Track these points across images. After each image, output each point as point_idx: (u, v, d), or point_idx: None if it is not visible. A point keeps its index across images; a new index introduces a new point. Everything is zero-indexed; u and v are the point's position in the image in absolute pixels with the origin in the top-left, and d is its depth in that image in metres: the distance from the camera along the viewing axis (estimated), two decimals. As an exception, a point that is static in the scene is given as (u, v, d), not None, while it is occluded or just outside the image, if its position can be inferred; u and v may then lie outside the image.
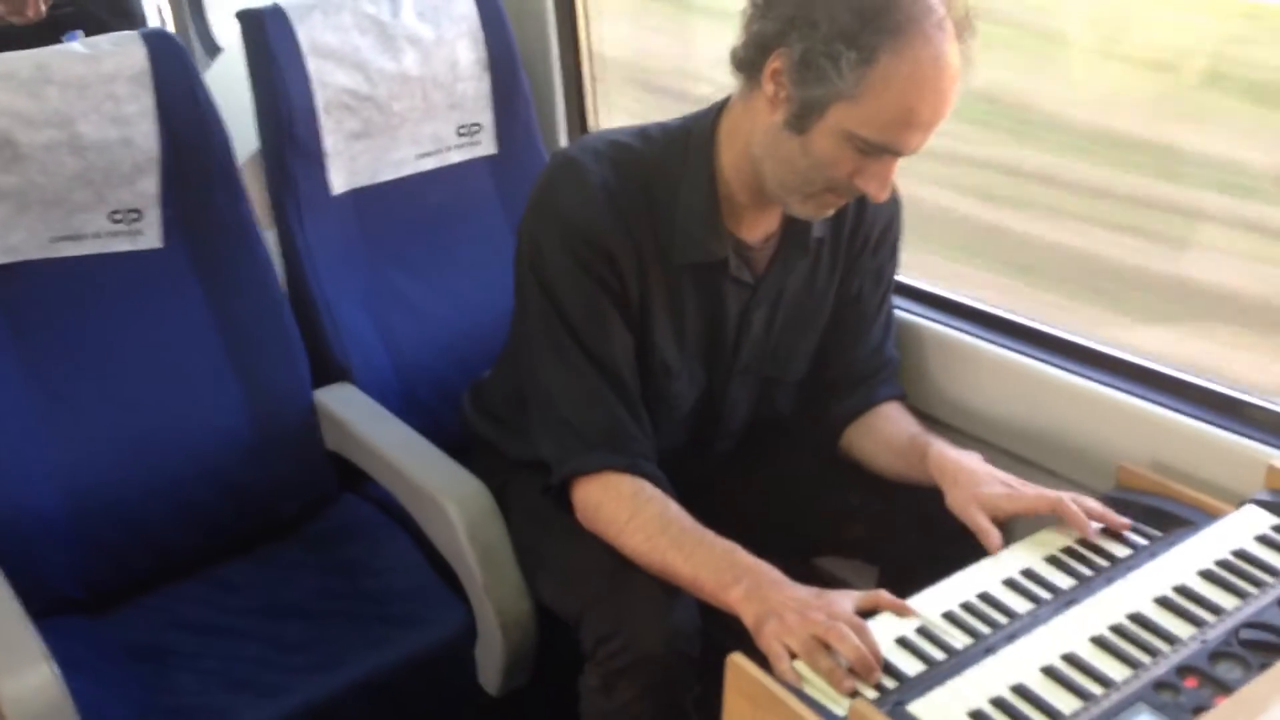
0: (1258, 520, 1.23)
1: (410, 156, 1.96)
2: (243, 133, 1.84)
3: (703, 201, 1.40)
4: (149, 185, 1.69)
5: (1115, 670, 1.03)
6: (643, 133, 1.45)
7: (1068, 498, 1.28)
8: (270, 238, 1.85)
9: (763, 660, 1.12)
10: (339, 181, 1.90)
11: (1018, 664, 1.05)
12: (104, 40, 1.68)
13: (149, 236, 1.71)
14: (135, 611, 1.67)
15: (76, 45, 1.66)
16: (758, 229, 1.46)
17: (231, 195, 1.76)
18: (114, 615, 1.66)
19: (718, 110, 1.42)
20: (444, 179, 2.00)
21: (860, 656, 1.08)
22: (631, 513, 1.35)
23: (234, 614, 1.66)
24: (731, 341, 1.50)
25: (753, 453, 1.65)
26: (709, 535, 1.31)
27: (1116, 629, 1.08)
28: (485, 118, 2.01)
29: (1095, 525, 1.26)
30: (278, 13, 1.82)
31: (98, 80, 1.64)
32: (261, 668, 1.54)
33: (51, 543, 1.62)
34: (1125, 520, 1.26)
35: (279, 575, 1.73)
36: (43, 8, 2.40)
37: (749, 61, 1.33)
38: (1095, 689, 1.01)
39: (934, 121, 1.26)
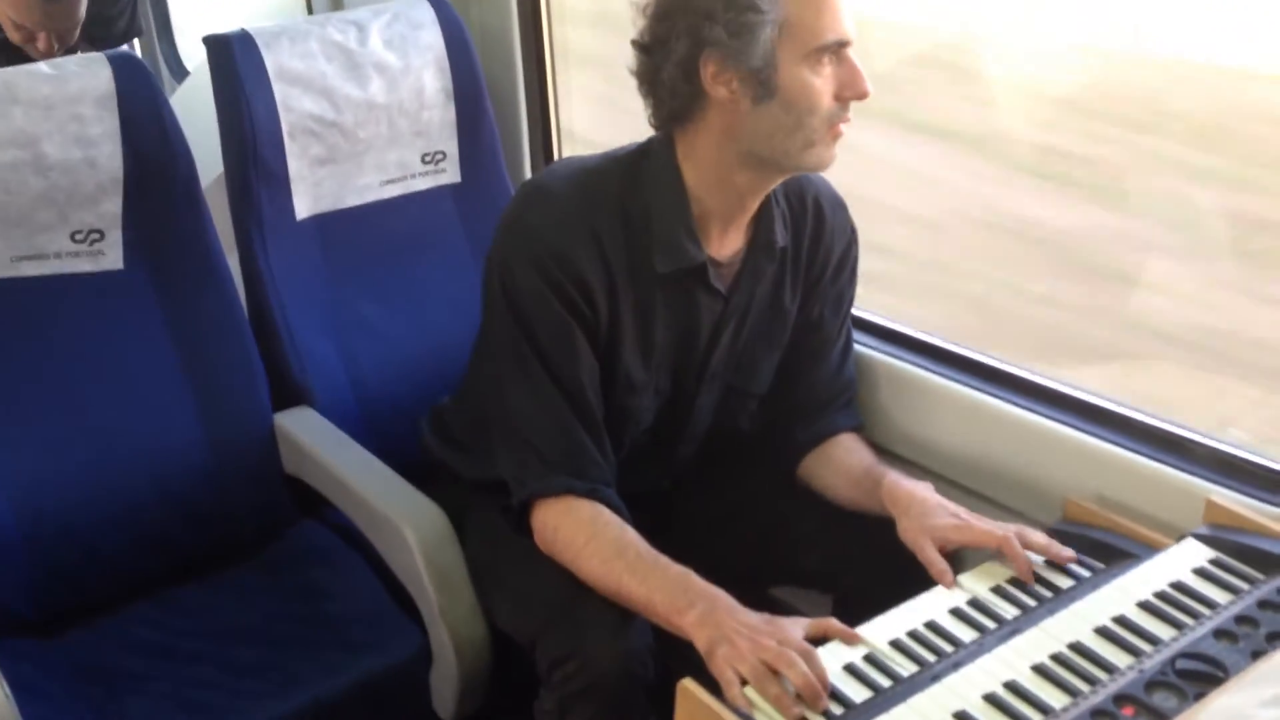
0: (1196, 554, 1.26)
1: (375, 183, 1.97)
2: (207, 157, 1.85)
3: (678, 210, 1.43)
4: (112, 206, 1.70)
5: (1055, 698, 1.05)
6: (609, 155, 1.49)
7: (1013, 534, 1.31)
8: (233, 261, 1.85)
9: (715, 686, 1.13)
10: (303, 206, 1.91)
11: (962, 691, 1.07)
12: (70, 61, 1.69)
13: (111, 257, 1.72)
14: (88, 634, 1.66)
15: (42, 66, 1.67)
16: (726, 245, 1.49)
17: (195, 218, 1.76)
18: (66, 637, 1.65)
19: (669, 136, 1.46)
20: (408, 206, 2.01)
21: (807, 684, 1.10)
22: (589, 536, 1.37)
23: (188, 637, 1.65)
24: (702, 351, 1.53)
25: (710, 475, 1.67)
26: (664, 560, 1.33)
27: (1057, 658, 1.11)
28: (450, 146, 2.03)
29: (1038, 559, 1.29)
30: (245, 38, 1.83)
31: (63, 101, 1.64)
32: (214, 691, 1.54)
33: (4, 564, 1.61)
34: (1069, 554, 1.29)
35: (234, 599, 1.73)
36: (55, 46, 2.39)
37: (684, 100, 1.38)
38: (1035, 716, 1.03)
39: None
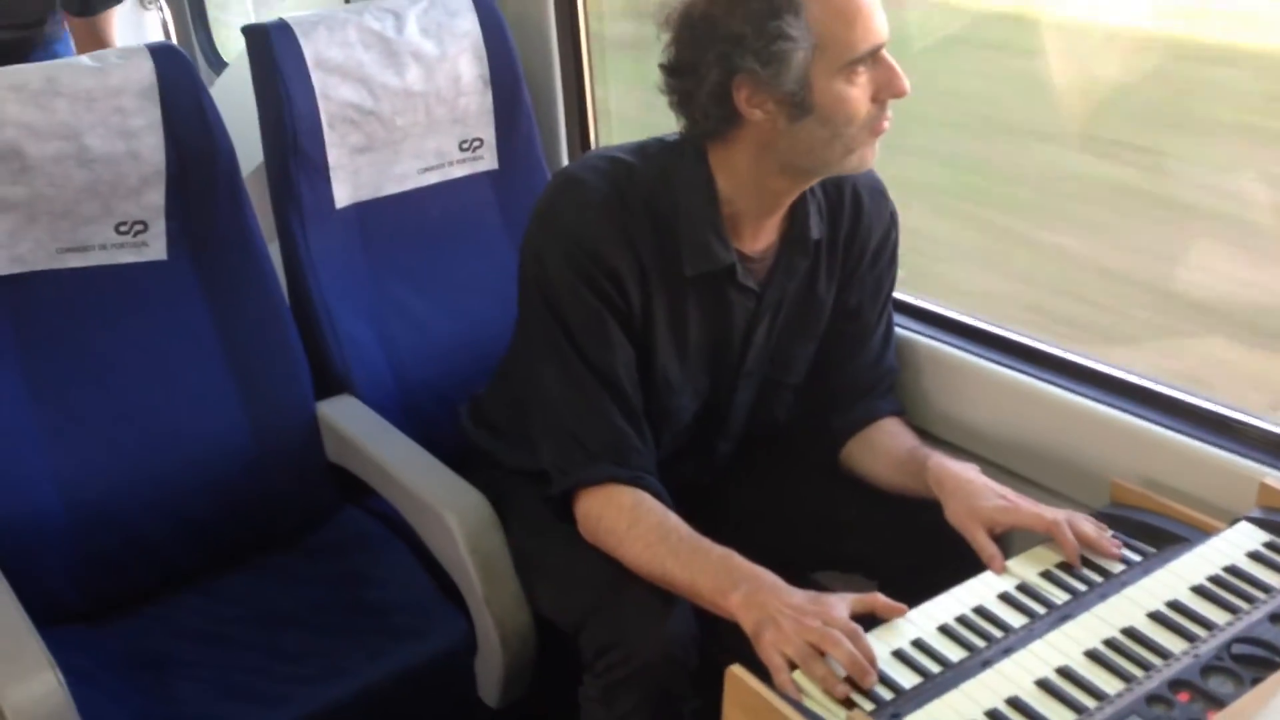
0: (1250, 537, 1.24)
1: (413, 171, 1.98)
2: (247, 146, 1.86)
3: (707, 212, 1.42)
4: (155, 198, 1.71)
5: (1109, 684, 1.05)
6: (641, 149, 1.47)
7: (1064, 520, 1.30)
8: (274, 250, 1.86)
9: (760, 671, 1.13)
10: (342, 195, 1.91)
11: (1012, 677, 1.06)
12: (111, 54, 1.70)
13: (154, 248, 1.73)
14: (135, 621, 1.67)
15: (85, 59, 1.68)
16: (759, 241, 1.48)
17: (236, 208, 1.77)
18: (114, 624, 1.66)
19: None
20: (446, 193, 2.01)
21: (854, 661, 1.09)
22: (631, 522, 1.37)
23: (233, 624, 1.67)
24: (738, 349, 1.52)
25: (751, 465, 1.67)
26: (706, 543, 1.33)
27: (1110, 643, 1.10)
28: (487, 133, 2.03)
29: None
30: (283, 28, 1.84)
31: (105, 93, 1.65)
32: (260, 677, 1.55)
33: (53, 552, 1.63)
34: (1116, 551, 1.27)
35: (279, 586, 1.74)
36: None
37: (718, 120, 1.37)
38: (1089, 702, 1.02)
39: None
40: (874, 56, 1.33)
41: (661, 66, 1.40)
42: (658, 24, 1.39)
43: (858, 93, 1.32)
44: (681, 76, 1.38)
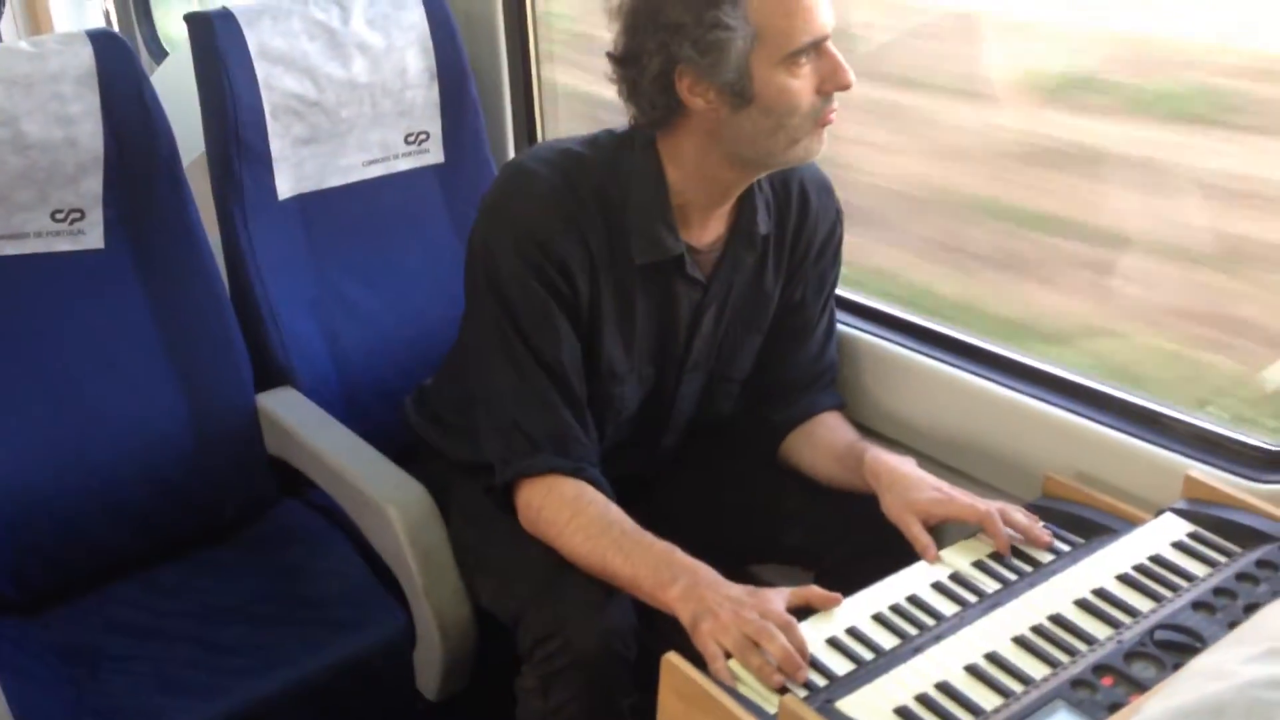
0: (1175, 528, 1.27)
1: (357, 163, 1.97)
2: (189, 136, 1.84)
3: (656, 202, 1.43)
4: (93, 185, 1.69)
5: (1035, 669, 1.07)
6: (592, 140, 1.48)
7: (995, 511, 1.32)
8: (215, 241, 1.84)
9: (698, 662, 1.14)
10: (285, 186, 1.90)
11: (943, 663, 1.08)
12: (50, 39, 1.68)
13: (91, 237, 1.71)
14: (69, 612, 1.65)
15: (23, 44, 1.66)
16: (707, 233, 1.49)
17: (176, 197, 1.76)
18: (47, 616, 1.64)
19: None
20: (391, 186, 2.01)
21: (787, 656, 1.11)
22: (573, 514, 1.37)
23: (169, 616, 1.65)
24: (683, 340, 1.53)
25: (694, 458, 1.68)
26: (648, 537, 1.34)
27: (1037, 630, 1.12)
28: (433, 126, 2.02)
29: (1019, 536, 1.31)
30: (226, 16, 1.82)
31: (43, 79, 1.63)
32: (196, 670, 1.54)
33: (-14, 543, 1.61)
34: (1047, 539, 1.30)
35: (216, 578, 1.73)
36: None
37: (663, 109, 1.38)
38: (1016, 686, 1.04)
39: None
40: (818, 48, 1.33)
41: (609, 55, 1.40)
42: (607, 12, 1.40)
43: (800, 84, 1.33)
44: (626, 65, 1.38)
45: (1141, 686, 1.03)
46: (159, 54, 3.15)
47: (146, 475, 1.73)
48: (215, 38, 1.80)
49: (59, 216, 1.68)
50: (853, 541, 1.50)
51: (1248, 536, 1.24)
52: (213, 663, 1.55)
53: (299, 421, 1.77)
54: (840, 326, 1.69)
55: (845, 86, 1.35)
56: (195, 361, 1.77)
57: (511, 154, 2.21)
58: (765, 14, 1.30)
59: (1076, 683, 1.04)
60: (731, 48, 1.30)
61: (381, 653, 1.59)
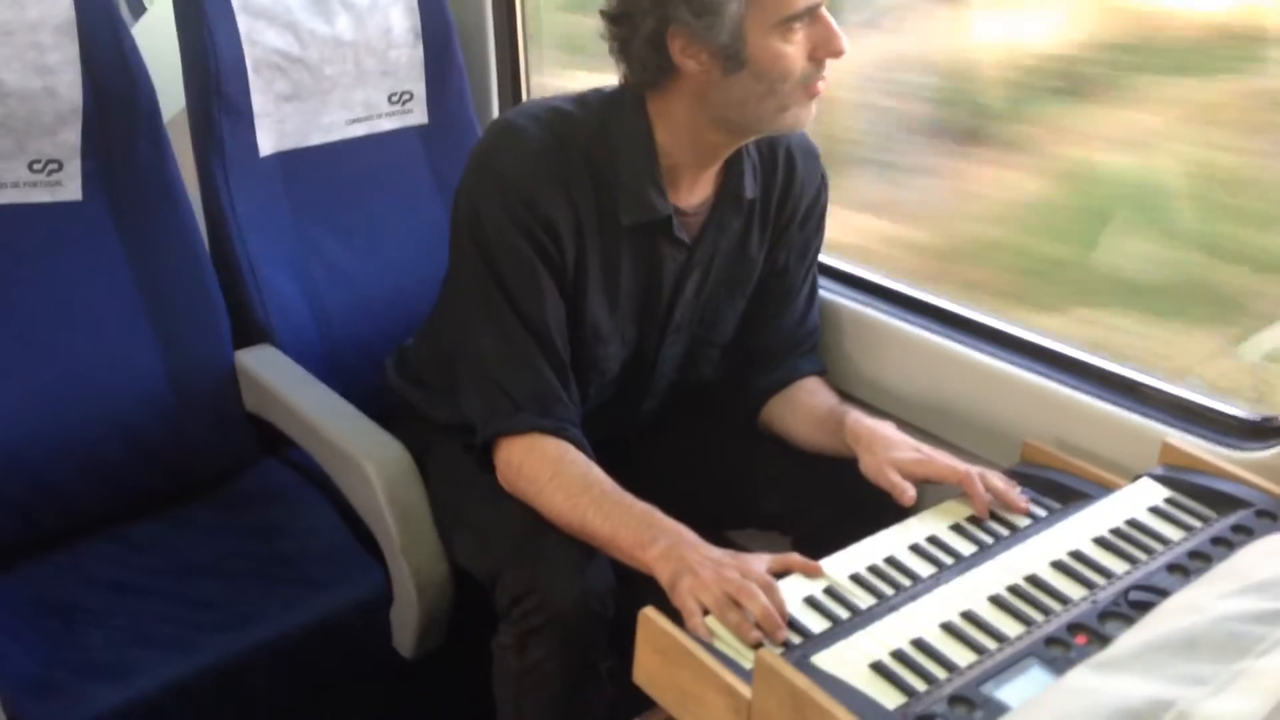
0: (1151, 493, 1.28)
1: (340, 121, 1.95)
2: (169, 90, 1.82)
3: (645, 162, 1.42)
4: (71, 136, 1.67)
5: (1010, 627, 1.07)
6: (581, 99, 1.47)
7: (975, 473, 1.32)
8: (195, 197, 1.83)
9: (676, 619, 1.14)
10: (267, 143, 1.88)
11: (918, 621, 1.08)
12: (29, -13, 1.65)
13: (69, 189, 1.69)
14: (43, 568, 1.64)
15: (1, -10, 1.63)
16: (694, 195, 1.48)
17: (156, 151, 1.74)
18: (21, 571, 1.63)
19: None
20: (374, 146, 1.99)
21: (767, 615, 1.11)
22: (554, 473, 1.37)
23: (144, 573, 1.64)
24: (666, 303, 1.53)
25: (675, 422, 1.68)
26: (629, 497, 1.34)
27: (1013, 589, 1.12)
28: (418, 87, 2.01)
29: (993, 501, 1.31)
30: (209, -31, 1.80)
31: (22, 28, 1.61)
32: (171, 625, 1.53)
33: (-41, 496, 1.60)
34: (1024, 504, 1.31)
35: (192, 536, 1.71)
36: None
37: (654, 69, 1.37)
38: (990, 643, 1.05)
39: None
40: (812, 14, 1.32)
41: (602, 13, 1.39)
42: None
43: (793, 50, 1.32)
44: (619, 24, 1.37)
45: (1115, 645, 1.03)
46: (138, 8, 3.11)
47: (122, 431, 1.71)
48: (197, -10, 1.78)
49: (36, 167, 1.66)
50: (831, 507, 1.51)
51: (1223, 502, 1.25)
52: (188, 618, 1.54)
53: (278, 379, 1.76)
54: (822, 293, 1.69)
55: (838, 54, 1.34)
56: (173, 317, 1.76)
57: (496, 116, 2.19)
58: None
59: (1050, 640, 1.04)
60: (726, 11, 1.29)
61: (358, 610, 1.59)
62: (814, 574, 1.20)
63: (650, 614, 1.12)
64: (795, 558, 1.22)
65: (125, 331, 1.72)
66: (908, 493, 1.31)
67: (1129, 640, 0.73)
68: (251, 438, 1.83)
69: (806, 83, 1.35)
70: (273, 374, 1.77)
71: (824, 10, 1.33)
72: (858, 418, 1.45)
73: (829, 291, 1.72)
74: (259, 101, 1.86)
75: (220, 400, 1.79)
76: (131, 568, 1.65)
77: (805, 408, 1.57)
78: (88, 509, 1.71)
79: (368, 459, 1.56)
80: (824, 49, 1.34)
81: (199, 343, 1.77)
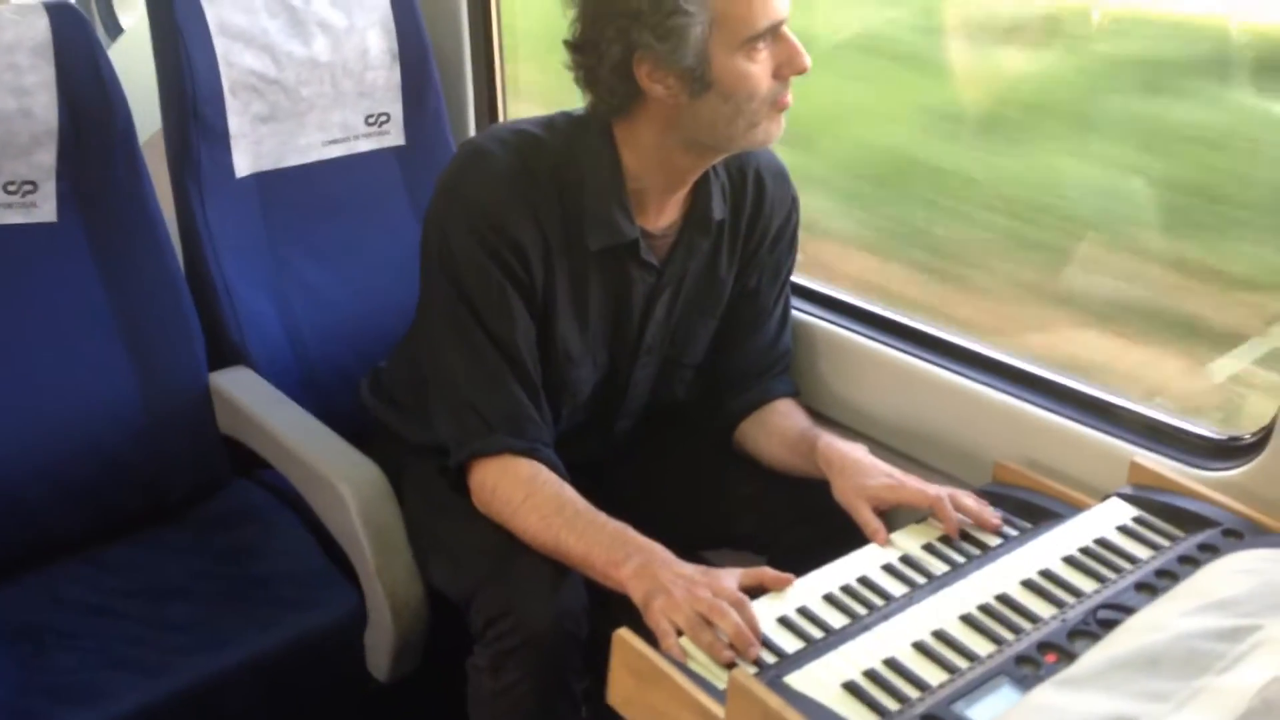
0: (1120, 512, 1.29)
1: (317, 143, 1.96)
2: (145, 111, 1.82)
3: (612, 186, 1.43)
4: (46, 158, 1.67)
5: (981, 646, 1.08)
6: (549, 123, 1.48)
7: (945, 496, 1.33)
8: (170, 218, 1.83)
9: (649, 639, 1.15)
10: (243, 164, 1.88)
11: (890, 640, 1.09)
12: (6, 9, 1.65)
13: (44, 210, 1.69)
14: (14, 590, 1.62)
15: (-24, 12, 1.63)
16: (662, 218, 1.49)
17: (131, 172, 1.73)
18: (-8, 593, 1.62)
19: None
20: (351, 167, 1.99)
21: (739, 633, 1.12)
22: (527, 494, 1.38)
23: (117, 595, 1.63)
24: (637, 325, 1.53)
25: (648, 442, 1.68)
26: (601, 516, 1.34)
27: (984, 608, 1.13)
28: (394, 108, 2.01)
29: (969, 520, 1.32)
30: (187, -9, 1.80)
31: (-2, 49, 1.61)
32: (143, 648, 1.52)
33: (-71, 517, 1.59)
34: (996, 522, 1.32)
35: (165, 557, 1.70)
36: None
37: (621, 96, 1.38)
38: (961, 662, 1.05)
39: None
40: (774, 33, 1.34)
41: (566, 43, 1.40)
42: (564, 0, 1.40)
43: (758, 69, 1.34)
44: (585, 53, 1.38)
45: (1084, 664, 1.04)
46: (115, 29, 3.12)
47: (96, 452, 1.70)
48: (174, 12, 1.78)
49: (11, 188, 1.66)
50: (804, 528, 1.51)
51: (1190, 521, 1.26)
52: (161, 641, 1.53)
53: (252, 400, 1.76)
54: (795, 313, 1.70)
55: (802, 70, 1.36)
56: (147, 338, 1.75)
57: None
58: (724, 1, 1.31)
59: (1020, 659, 1.05)
60: (690, 34, 1.31)
61: (332, 633, 1.58)
62: (785, 586, 1.21)
63: (625, 635, 1.13)
64: (767, 571, 1.23)
65: (99, 353, 1.72)
66: (880, 534, 1.32)
67: (1093, 658, 0.74)
68: (225, 459, 1.82)
69: (773, 99, 1.37)
70: (247, 395, 1.76)
71: (786, 28, 1.35)
72: (830, 441, 1.46)
73: (802, 312, 1.73)
74: (235, 123, 1.86)
75: (194, 421, 1.78)
76: (104, 590, 1.64)
77: (778, 430, 1.58)
78: (60, 530, 1.70)
79: (342, 480, 1.56)
80: (789, 66, 1.36)
81: (173, 364, 1.77)
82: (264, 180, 1.91)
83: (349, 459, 1.61)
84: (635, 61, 1.34)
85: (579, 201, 1.44)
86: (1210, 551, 1.19)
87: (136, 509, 1.76)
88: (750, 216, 1.57)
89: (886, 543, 1.31)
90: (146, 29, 1.84)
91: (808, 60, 1.35)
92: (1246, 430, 1.37)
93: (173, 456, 1.77)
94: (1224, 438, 1.38)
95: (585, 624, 1.37)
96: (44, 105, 1.65)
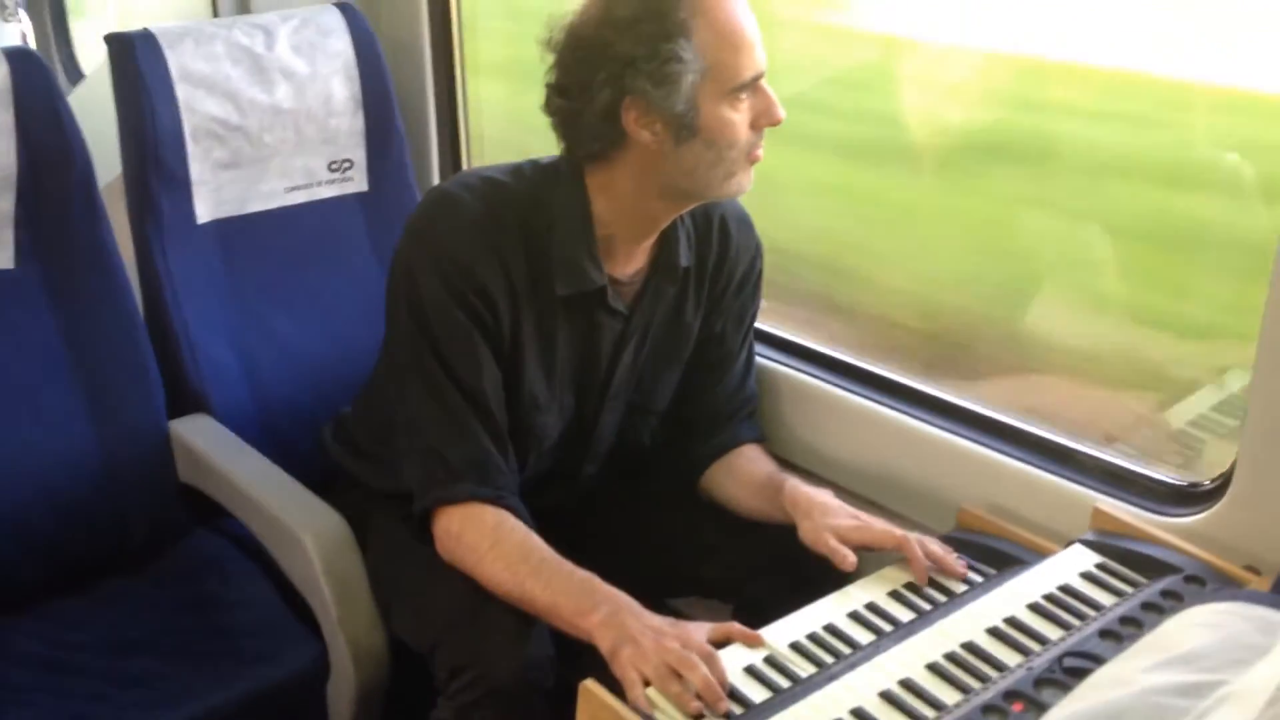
0: (1083, 558, 1.30)
1: (279, 189, 1.95)
2: (106, 158, 1.81)
3: (581, 233, 1.44)
4: (4, 204, 1.65)
5: (948, 695, 1.08)
6: (516, 169, 1.49)
7: (913, 538, 1.34)
8: (131, 264, 1.81)
9: (616, 690, 1.14)
10: (204, 210, 1.88)
11: (858, 690, 1.09)
12: (-36, 56, 1.64)
13: (1, 257, 1.67)
14: (-33, 645, 1.60)
15: (-65, 59, 1.62)
16: (630, 265, 1.50)
17: (91, 219, 1.72)
18: (-55, 649, 1.58)
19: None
20: (314, 214, 1.99)
21: (708, 686, 1.11)
22: (493, 542, 1.37)
23: (74, 650, 1.59)
24: (603, 371, 1.54)
25: (615, 489, 1.68)
26: (568, 565, 1.33)
27: (950, 657, 1.13)
28: (358, 154, 2.01)
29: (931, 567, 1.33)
30: (148, 38, 1.80)
31: (-45, 96, 1.60)
32: (101, 703, 1.49)
33: (-119, 569, 1.55)
34: (961, 570, 1.33)
35: (125, 611, 1.68)
36: None
37: (605, 141, 1.39)
38: (929, 712, 1.05)
39: (755, 27, 1.38)
40: (755, 85, 1.37)
41: (549, 86, 1.41)
42: (541, 44, 1.41)
43: (740, 119, 1.37)
44: (570, 97, 1.39)
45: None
46: (75, 75, 3.10)
47: (53, 503, 1.68)
48: (135, 59, 1.78)
49: (-32, 236, 1.64)
50: (771, 575, 1.51)
51: (1153, 567, 1.27)
52: (119, 696, 1.50)
53: (213, 449, 1.74)
54: (760, 360, 1.71)
55: (777, 121, 1.39)
56: (106, 387, 1.73)
57: (436, 183, 2.20)
58: (715, 49, 1.34)
59: (988, 709, 1.05)
60: (684, 80, 1.33)
61: (294, 685, 1.56)
62: (754, 643, 1.20)
63: (591, 686, 1.12)
64: (736, 627, 1.22)
65: (57, 400, 1.69)
66: (848, 559, 1.32)
67: (1058, 714, 0.74)
68: (185, 509, 1.80)
69: (749, 149, 1.40)
70: (208, 444, 1.75)
71: (764, 81, 1.38)
72: (795, 485, 1.46)
73: (767, 359, 1.74)
74: (197, 169, 1.85)
75: (154, 470, 1.76)
76: (62, 644, 1.60)
77: (744, 475, 1.59)
78: (16, 582, 1.66)
79: (305, 529, 1.55)
80: (765, 117, 1.39)
81: (132, 412, 1.75)
82: (225, 226, 1.91)
83: (311, 507, 1.59)
84: (624, 107, 1.35)
85: (547, 248, 1.44)
86: (1173, 598, 1.21)
87: (95, 560, 1.73)
88: (716, 263, 1.58)
89: (853, 567, 1.31)
90: (108, 75, 1.83)
91: (783, 112, 1.38)
92: (1206, 477, 1.39)
93: (132, 506, 1.75)
94: (1184, 484, 1.40)
95: (551, 674, 1.35)
96: (3, 151, 1.63)
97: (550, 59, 1.41)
